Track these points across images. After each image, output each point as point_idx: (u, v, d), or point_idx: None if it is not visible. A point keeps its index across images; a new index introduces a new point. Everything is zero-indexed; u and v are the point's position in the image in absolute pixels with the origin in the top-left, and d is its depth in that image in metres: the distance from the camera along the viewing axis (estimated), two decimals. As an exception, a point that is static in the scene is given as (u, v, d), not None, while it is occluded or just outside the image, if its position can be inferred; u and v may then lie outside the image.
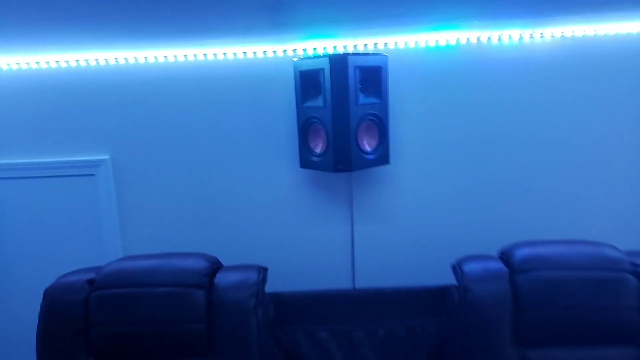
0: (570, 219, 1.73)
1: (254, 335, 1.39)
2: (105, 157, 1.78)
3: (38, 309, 1.53)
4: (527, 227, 1.69)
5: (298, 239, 1.76)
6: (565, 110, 1.70)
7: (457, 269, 1.49)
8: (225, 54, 1.71)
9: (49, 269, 1.77)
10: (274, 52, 1.70)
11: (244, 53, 1.70)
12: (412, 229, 1.75)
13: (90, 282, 1.44)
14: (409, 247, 1.74)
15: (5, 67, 1.76)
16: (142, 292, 1.40)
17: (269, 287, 1.50)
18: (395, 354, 1.54)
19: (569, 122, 1.70)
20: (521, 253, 1.46)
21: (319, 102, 1.56)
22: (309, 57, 1.62)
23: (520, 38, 1.67)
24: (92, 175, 1.80)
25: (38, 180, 1.83)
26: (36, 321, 1.67)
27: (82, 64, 1.74)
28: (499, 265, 1.47)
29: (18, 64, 1.75)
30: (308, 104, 1.60)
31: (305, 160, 1.66)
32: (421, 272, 1.68)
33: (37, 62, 1.74)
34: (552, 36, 1.67)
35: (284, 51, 1.70)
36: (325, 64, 1.51)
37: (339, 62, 1.50)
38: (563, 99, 1.69)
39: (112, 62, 1.74)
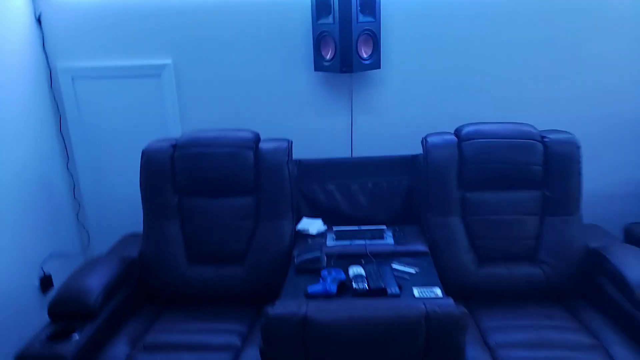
0: (508, 108, 2.37)
1: (286, 181, 2.10)
2: (168, 61, 2.39)
3: (130, 171, 2.23)
4: (476, 113, 2.33)
5: (314, 122, 2.43)
6: (513, 32, 2.29)
7: (423, 141, 2.16)
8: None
9: (129, 147, 2.46)
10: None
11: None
12: (395, 116, 2.40)
13: (174, 145, 2.12)
14: (392, 129, 2.40)
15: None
16: (211, 151, 2.08)
17: (294, 155, 2.18)
18: (379, 198, 2.27)
19: (511, 40, 2.29)
20: (467, 129, 2.13)
21: (329, 20, 2.14)
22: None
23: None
24: (159, 75, 2.42)
25: (114, 81, 2.44)
26: (124, 182, 2.39)
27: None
28: (452, 137, 2.14)
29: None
30: (321, 21, 2.19)
31: (318, 64, 2.27)
32: (400, 146, 2.34)
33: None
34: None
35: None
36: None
37: (344, -11, 2.07)
38: (510, 27, 2.28)
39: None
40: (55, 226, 2.45)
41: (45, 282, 2.32)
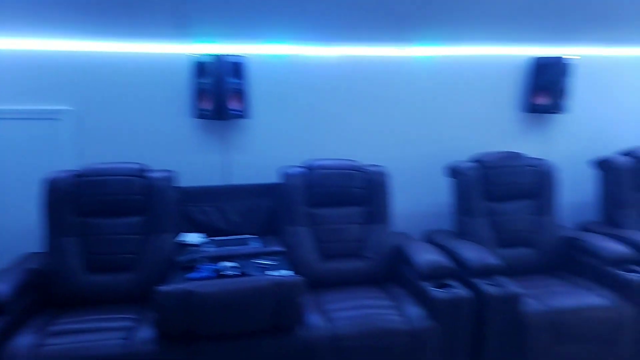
0: (342, 147, 3.18)
1: (170, 203, 2.65)
2: (70, 107, 2.85)
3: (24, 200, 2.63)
4: (320, 151, 3.11)
5: (195, 157, 3.03)
6: (346, 94, 3.18)
7: (282, 172, 2.89)
8: (147, 50, 2.89)
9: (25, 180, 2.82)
10: (179, 50, 2.92)
11: (161, 50, 2.90)
12: (261, 153, 3.11)
13: (77, 175, 2.57)
14: (258, 163, 3.08)
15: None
16: (108, 179, 2.59)
17: (180, 184, 2.76)
18: (248, 216, 2.92)
19: (345, 99, 3.19)
20: (313, 164, 2.91)
21: (206, 80, 2.82)
22: (202, 55, 2.86)
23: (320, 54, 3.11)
24: (60, 119, 2.85)
25: (17, 122, 2.81)
26: (17, 210, 2.75)
27: (51, 48, 2.78)
28: (302, 169, 2.89)
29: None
30: (200, 79, 2.86)
31: (198, 113, 2.92)
32: (265, 175, 3.00)
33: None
34: (338, 53, 3.13)
35: (188, 50, 2.92)
36: (210, 59, 2.79)
37: (218, 58, 2.79)
38: (343, 90, 3.17)
39: (74, 48, 2.80)
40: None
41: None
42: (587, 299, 2.59)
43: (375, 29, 3.00)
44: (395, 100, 3.26)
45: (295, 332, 2.20)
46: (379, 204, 2.89)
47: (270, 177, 2.99)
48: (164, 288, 2.04)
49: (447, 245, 2.83)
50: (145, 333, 2.16)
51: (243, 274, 2.28)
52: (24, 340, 2.08)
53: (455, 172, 3.08)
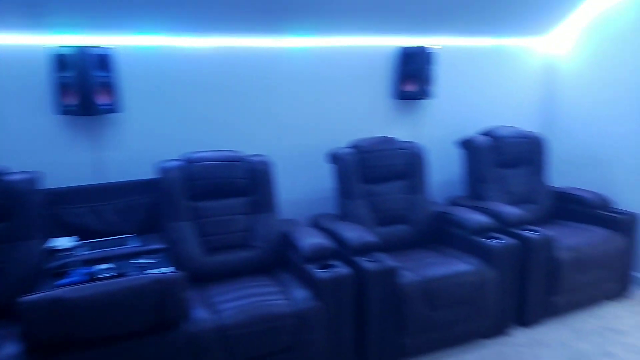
0: (223, 139, 3.17)
1: (33, 207, 2.45)
2: None
3: None
4: (199, 143, 3.06)
5: (65, 158, 2.83)
6: (226, 84, 3.16)
7: (159, 166, 2.80)
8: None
9: None
10: (35, 42, 2.68)
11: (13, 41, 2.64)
12: (138, 148, 2.98)
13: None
14: (135, 158, 2.95)
15: None
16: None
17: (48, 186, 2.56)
18: (127, 214, 2.79)
19: (225, 89, 3.17)
20: (192, 155, 2.86)
21: (69, 73, 2.63)
22: (62, 47, 2.66)
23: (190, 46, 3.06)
24: None
25: None
26: None
27: None
28: (181, 162, 2.83)
29: None
30: (61, 74, 2.65)
31: (62, 109, 2.72)
32: (143, 171, 2.90)
33: None
34: (212, 45, 3.09)
35: (45, 42, 2.70)
36: (72, 51, 2.60)
37: (81, 50, 2.61)
38: (223, 81, 3.15)
39: None
40: None
41: None
42: (455, 266, 2.88)
43: (250, 20, 3.01)
44: (274, 90, 3.31)
45: (180, 328, 2.17)
46: (264, 193, 2.94)
47: (148, 172, 2.89)
48: (27, 298, 1.89)
49: (330, 228, 2.96)
50: (10, 349, 1.99)
51: (119, 275, 2.19)
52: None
53: (334, 158, 3.22)
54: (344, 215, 3.18)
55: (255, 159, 2.97)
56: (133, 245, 2.56)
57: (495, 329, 2.99)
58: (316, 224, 3.19)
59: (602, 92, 3.76)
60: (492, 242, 2.93)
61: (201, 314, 2.30)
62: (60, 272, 2.22)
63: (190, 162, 2.83)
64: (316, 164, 3.40)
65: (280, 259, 2.88)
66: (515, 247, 2.94)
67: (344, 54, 3.44)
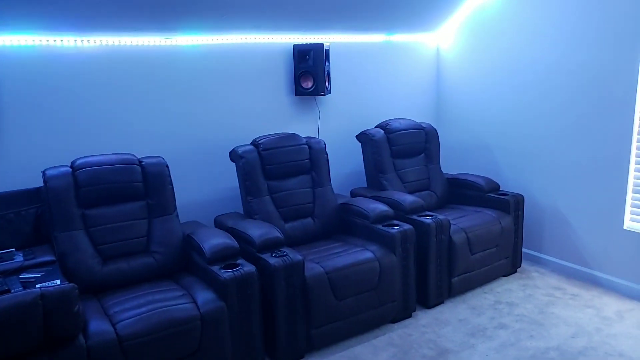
0: (115, 143, 3.04)
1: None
2: None
3: None
4: (89, 148, 2.91)
5: None
6: (120, 88, 3.01)
7: (43, 174, 2.61)
8: None
9: None
10: None
11: None
12: (17, 158, 2.76)
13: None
14: (14, 168, 2.74)
15: None
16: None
17: None
18: (9, 228, 2.57)
19: (120, 93, 3.02)
20: (79, 161, 2.69)
21: None
22: None
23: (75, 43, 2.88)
24: None
25: None
26: None
27: None
28: (67, 169, 2.65)
29: None
30: None
31: None
32: (26, 181, 2.70)
33: None
34: (96, 44, 2.93)
35: None
36: None
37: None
38: (104, 80, 3.00)
39: None
40: None
41: None
42: (358, 255, 2.98)
43: (138, 18, 2.90)
44: (169, 90, 3.22)
45: (76, 342, 2.05)
46: (161, 196, 2.84)
47: (35, 181, 2.68)
48: None
49: (234, 227, 2.94)
50: None
51: (3, 292, 2.02)
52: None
53: (236, 156, 3.21)
54: (249, 213, 3.18)
55: (149, 160, 2.87)
56: (18, 259, 2.37)
57: (400, 313, 3.13)
58: (220, 224, 3.16)
59: (481, 82, 4.11)
60: (391, 229, 3.09)
61: (98, 326, 2.18)
62: None
63: (77, 168, 2.67)
64: (218, 163, 3.37)
65: (184, 262, 2.82)
66: (412, 233, 3.12)
67: (241, 51, 3.44)
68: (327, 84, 3.67)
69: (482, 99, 4.11)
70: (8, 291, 2.04)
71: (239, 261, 2.61)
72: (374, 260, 2.97)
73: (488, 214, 3.60)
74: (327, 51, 3.64)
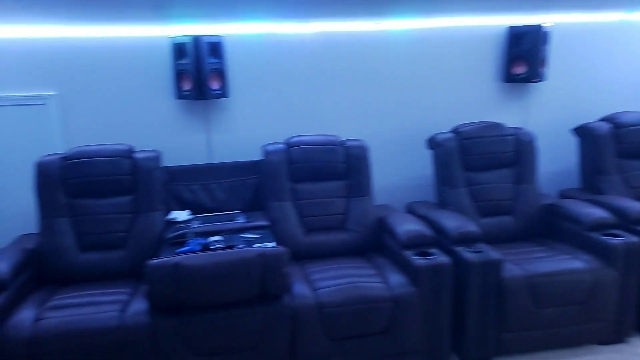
0: (322, 124, 3.23)
1: (157, 182, 2.71)
2: (54, 92, 2.89)
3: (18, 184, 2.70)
4: (300, 128, 3.15)
5: (179, 138, 3.09)
6: (325, 69, 3.22)
7: (263, 149, 2.94)
8: (127, 34, 2.91)
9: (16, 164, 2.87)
10: (159, 33, 2.94)
11: (142, 33, 2.92)
12: (243, 131, 3.17)
13: (64, 157, 2.63)
14: (241, 141, 3.14)
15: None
16: (95, 160, 2.64)
17: (164, 163, 2.82)
18: (234, 193, 2.98)
19: (324, 74, 3.23)
20: (293, 140, 2.97)
21: (186, 61, 2.86)
22: (180, 36, 2.89)
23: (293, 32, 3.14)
24: (44, 104, 2.89)
25: (3, 108, 2.86)
26: (13, 193, 2.80)
27: (33, 34, 2.81)
28: (283, 146, 2.95)
29: None
30: (179, 61, 2.89)
31: (179, 94, 2.96)
32: (248, 153, 3.07)
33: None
34: (313, 30, 3.15)
35: (167, 32, 2.95)
36: (189, 40, 2.82)
37: (196, 39, 2.82)
38: (322, 65, 3.21)
39: (57, 34, 2.83)
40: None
41: None
42: (567, 263, 2.66)
43: (351, 3, 3.03)
44: (373, 74, 3.30)
45: (282, 300, 2.28)
46: (361, 178, 2.96)
47: (253, 154, 3.04)
48: (153, 261, 2.11)
49: (428, 215, 2.90)
50: (138, 305, 2.24)
51: (229, 247, 2.35)
52: (24, 314, 2.17)
53: (434, 144, 3.14)
54: (443, 204, 3.09)
55: (352, 143, 3.00)
56: (240, 221, 2.73)
57: (611, 335, 2.72)
58: (412, 211, 3.14)
59: None
60: (612, 239, 2.67)
61: (301, 290, 2.39)
62: (179, 242, 2.44)
63: (291, 145, 2.94)
64: (414, 150, 3.35)
65: (375, 243, 2.89)
66: (638, 246, 2.65)
67: (447, 35, 3.32)
68: (542, 69, 3.31)
69: None
70: (232, 247, 2.36)
71: (432, 250, 2.56)
72: (586, 272, 2.61)
73: None
74: (546, 33, 3.27)
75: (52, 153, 2.68)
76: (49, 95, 2.89)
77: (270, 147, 2.94)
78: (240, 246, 2.37)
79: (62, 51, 2.87)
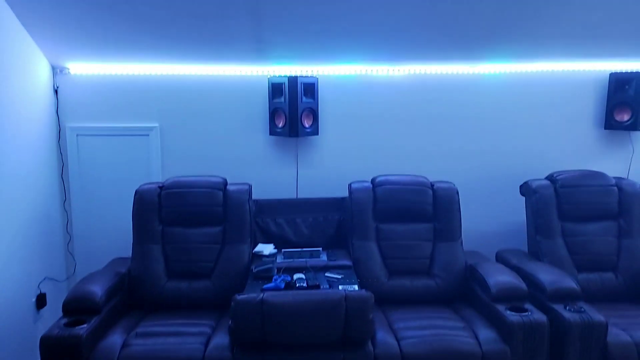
0: (409, 164, 3.19)
1: (247, 214, 2.78)
2: (156, 124, 3.10)
3: (117, 209, 2.89)
4: (387, 167, 3.12)
5: (269, 172, 3.18)
6: (413, 109, 3.20)
7: (349, 186, 2.94)
8: (228, 73, 3.08)
9: (117, 191, 3.07)
10: (258, 72, 3.08)
11: (241, 72, 3.08)
12: (329, 169, 3.21)
13: (160, 186, 2.77)
14: (327, 178, 3.18)
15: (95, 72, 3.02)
16: (190, 191, 2.76)
17: (253, 196, 2.90)
18: (317, 228, 2.99)
19: (413, 115, 3.20)
20: (379, 178, 2.94)
21: (281, 99, 2.95)
22: (277, 76, 3.01)
23: (387, 73, 3.16)
24: (147, 135, 3.10)
25: (110, 138, 3.09)
26: (112, 217, 2.98)
27: (141, 72, 3.05)
28: (369, 184, 2.93)
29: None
30: (275, 100, 3.00)
31: (272, 130, 3.06)
32: (333, 190, 3.10)
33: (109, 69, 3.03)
34: (405, 72, 3.16)
35: (263, 72, 3.08)
36: (285, 80, 2.92)
37: (292, 79, 2.91)
38: (410, 106, 3.19)
39: (162, 72, 3.06)
40: (50, 253, 2.95)
41: (40, 300, 2.78)
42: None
43: (444, 48, 3.00)
44: (464, 117, 3.23)
45: (365, 347, 2.21)
46: (449, 221, 2.85)
47: (339, 191, 3.05)
48: (240, 296, 2.14)
49: (520, 266, 2.73)
50: (220, 340, 2.26)
51: (314, 286, 2.34)
52: (114, 339, 2.26)
53: (528, 190, 2.98)
54: (537, 254, 2.90)
55: (442, 185, 2.92)
56: (323, 259, 2.72)
57: None
58: (503, 260, 2.98)
59: None
60: None
61: (385, 338, 2.30)
62: (264, 276, 2.46)
63: (378, 184, 2.91)
64: (505, 195, 3.21)
65: (462, 292, 2.76)
66: None
67: (543, 79, 3.20)
68: (648, 117, 3.08)
69: None
70: (318, 286, 2.34)
71: (526, 305, 2.39)
72: None
73: None
74: (652, 79, 3.06)
75: (151, 182, 2.84)
76: (153, 127, 3.09)
77: (356, 185, 2.93)
78: (325, 286, 2.35)
79: (166, 87, 3.08)
